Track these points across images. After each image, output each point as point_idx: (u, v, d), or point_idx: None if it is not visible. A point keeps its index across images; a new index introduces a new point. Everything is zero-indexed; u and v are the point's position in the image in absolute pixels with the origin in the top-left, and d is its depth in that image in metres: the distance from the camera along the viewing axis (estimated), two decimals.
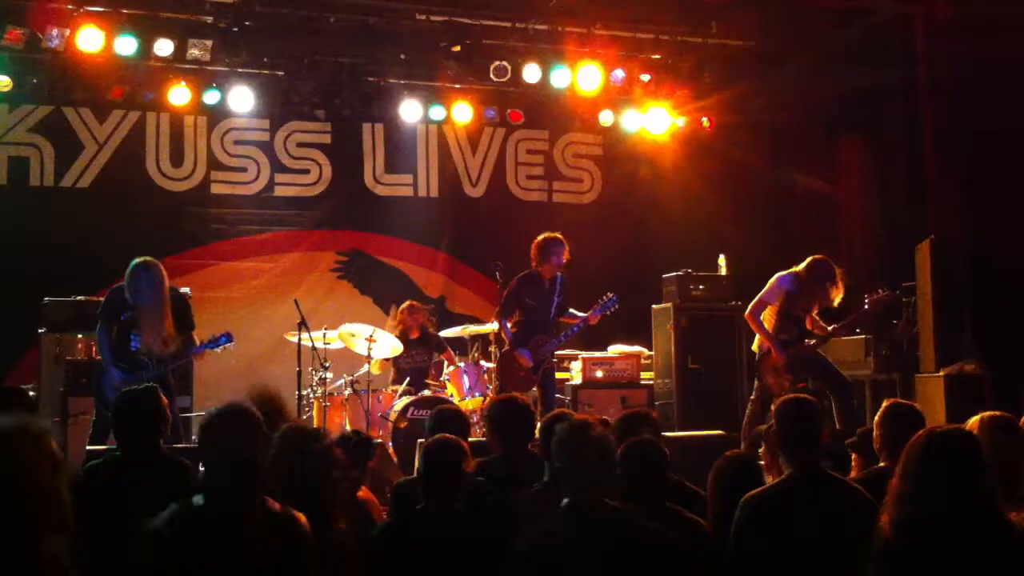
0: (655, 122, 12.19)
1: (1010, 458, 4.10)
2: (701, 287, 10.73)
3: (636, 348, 10.74)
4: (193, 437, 8.57)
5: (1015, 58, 8.88)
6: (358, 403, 9.52)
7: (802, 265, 8.59)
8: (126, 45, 10.20)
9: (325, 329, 9.59)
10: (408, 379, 9.91)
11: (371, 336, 9.60)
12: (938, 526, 3.32)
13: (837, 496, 4.14)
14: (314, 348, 9.48)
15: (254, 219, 12.03)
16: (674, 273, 10.77)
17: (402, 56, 11.34)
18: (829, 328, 8.79)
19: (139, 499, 4.68)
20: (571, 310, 9.22)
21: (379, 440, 8.95)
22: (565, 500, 3.84)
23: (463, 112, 11.98)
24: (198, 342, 7.90)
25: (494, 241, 11.63)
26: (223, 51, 10.71)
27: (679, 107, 12.14)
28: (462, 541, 4.18)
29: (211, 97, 11.23)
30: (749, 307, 8.80)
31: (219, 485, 3.58)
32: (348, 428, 9.34)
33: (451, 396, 9.62)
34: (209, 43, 10.54)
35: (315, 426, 4.58)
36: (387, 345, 9.88)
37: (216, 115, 11.73)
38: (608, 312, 9.03)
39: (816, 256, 8.58)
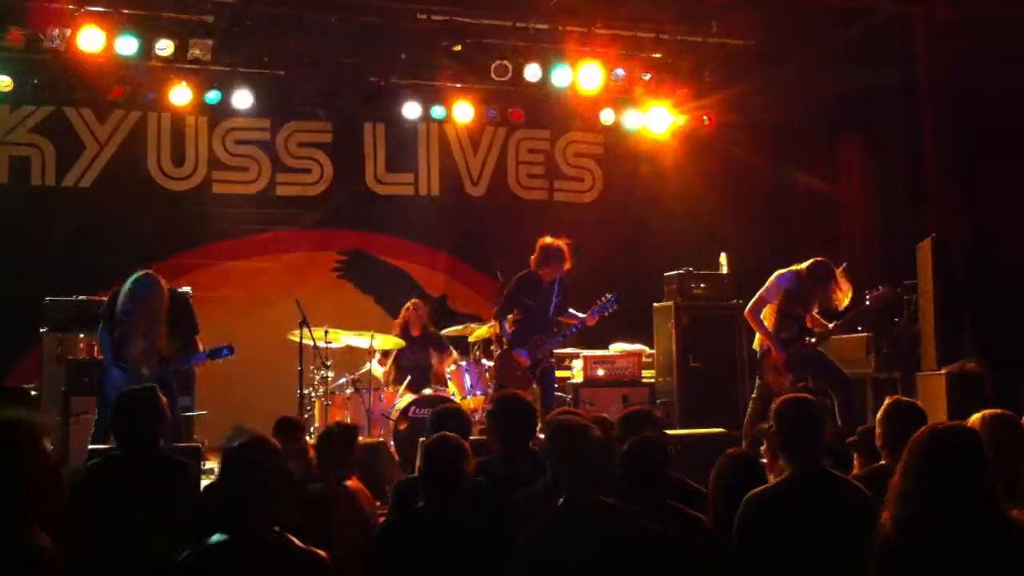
0: (656, 121, 12.20)
1: (1011, 456, 4.10)
2: (702, 285, 10.72)
3: (637, 346, 10.75)
4: (195, 437, 8.60)
5: (1015, 58, 8.88)
6: (360, 402, 9.53)
7: (804, 265, 8.60)
8: (127, 45, 10.21)
9: (326, 328, 9.60)
10: (410, 377, 9.91)
11: (372, 335, 9.63)
12: (939, 523, 3.32)
13: (838, 494, 4.14)
14: (315, 347, 9.49)
15: (255, 219, 12.04)
16: (675, 272, 10.77)
17: (403, 55, 11.34)
18: (830, 326, 8.80)
19: (138, 498, 4.71)
20: (570, 310, 9.23)
21: (380, 439, 8.98)
22: (562, 499, 3.84)
23: (464, 111, 11.99)
24: (201, 348, 7.89)
25: (495, 240, 11.65)
26: (224, 51, 10.73)
27: (680, 106, 12.14)
28: (462, 540, 4.19)
29: (212, 97, 11.24)
30: (749, 305, 8.81)
31: (238, 518, 3.55)
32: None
33: (452, 395, 9.63)
34: (210, 43, 10.55)
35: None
36: (388, 343, 9.93)
37: (217, 115, 11.74)
38: (606, 313, 9.04)
39: (819, 258, 8.60)
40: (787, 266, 8.77)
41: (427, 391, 9.67)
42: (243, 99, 11.26)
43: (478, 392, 9.54)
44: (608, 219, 12.61)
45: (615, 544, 3.76)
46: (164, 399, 5.23)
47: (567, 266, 9.08)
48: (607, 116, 12.23)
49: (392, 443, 9.04)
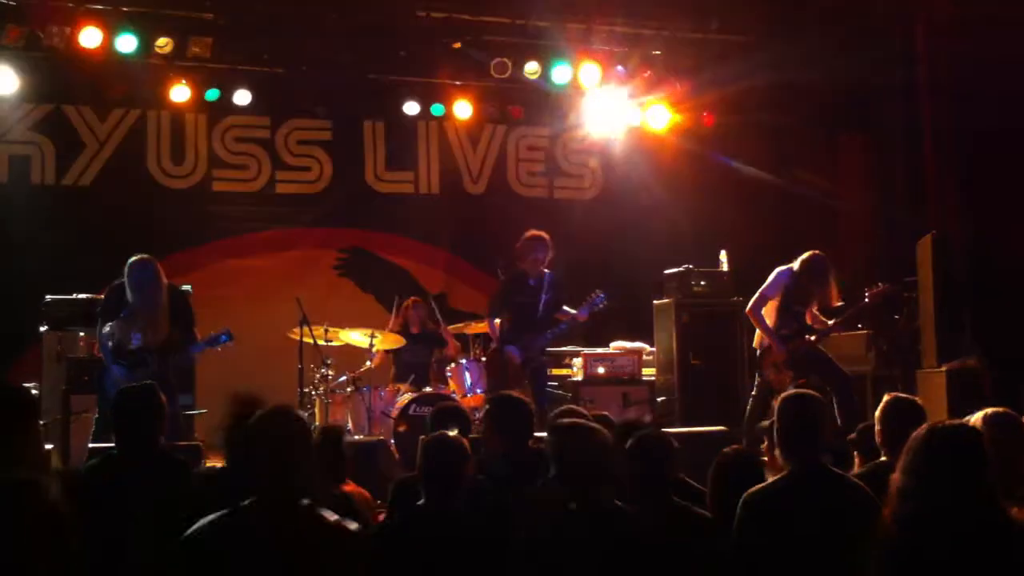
0: (656, 117, 12.19)
1: (1012, 455, 4.10)
2: (702, 283, 10.70)
3: (638, 344, 10.74)
4: (195, 436, 8.60)
5: (1015, 58, 8.89)
6: (360, 400, 9.53)
7: (797, 260, 8.62)
8: (126, 43, 10.22)
9: (327, 326, 9.60)
10: (413, 376, 9.91)
11: (373, 334, 9.64)
12: (940, 521, 3.31)
13: (838, 492, 4.14)
14: (316, 345, 9.49)
15: (255, 217, 12.04)
16: (675, 269, 10.76)
17: (402, 53, 11.34)
18: (829, 323, 8.81)
19: (138, 496, 4.71)
20: (564, 308, 9.21)
21: (381, 437, 8.98)
22: (567, 498, 3.85)
23: (463, 109, 12.00)
24: (199, 339, 7.92)
25: (495, 238, 11.64)
26: (223, 48, 10.73)
27: (680, 103, 12.13)
28: (462, 540, 4.18)
29: (211, 95, 11.24)
30: (750, 303, 8.83)
31: (263, 490, 3.53)
32: (349, 425, 9.38)
33: (452, 392, 9.63)
34: (209, 40, 10.55)
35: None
36: (387, 341, 9.94)
37: (217, 113, 11.73)
38: (596, 309, 9.00)
39: (812, 252, 8.60)
40: (787, 263, 8.78)
41: (427, 389, 9.67)
42: (243, 97, 11.26)
43: (478, 390, 9.54)
44: (608, 216, 12.60)
45: (618, 543, 3.76)
46: (163, 397, 5.23)
47: (549, 255, 9.04)
48: (607, 113, 12.21)
49: (392, 441, 9.05)
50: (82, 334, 9.32)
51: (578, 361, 10.41)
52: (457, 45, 11.28)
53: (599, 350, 10.54)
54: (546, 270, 9.08)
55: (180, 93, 11.11)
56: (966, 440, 3.46)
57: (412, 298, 10.69)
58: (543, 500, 4.39)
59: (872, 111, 10.84)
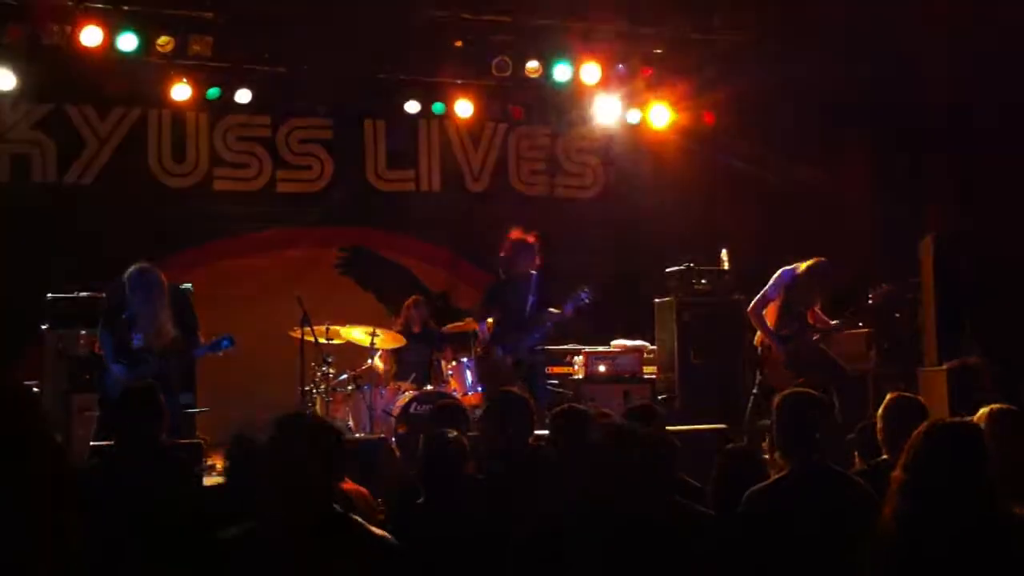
0: (657, 116, 12.19)
1: (1015, 451, 4.10)
2: (703, 281, 10.70)
3: (639, 342, 10.74)
4: (197, 434, 8.61)
5: (1015, 54, 8.89)
6: (361, 398, 9.53)
7: (804, 263, 8.65)
8: (127, 42, 10.22)
9: (328, 325, 9.60)
10: (413, 375, 9.91)
11: (374, 331, 9.64)
12: (940, 518, 3.31)
13: (840, 489, 4.14)
14: (317, 343, 9.49)
15: (256, 215, 12.03)
16: (676, 267, 10.76)
17: (403, 52, 11.34)
18: (832, 322, 8.82)
19: (137, 495, 4.71)
20: (551, 309, 9.18)
21: (382, 436, 8.98)
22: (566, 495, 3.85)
23: (464, 107, 12.00)
24: (202, 341, 7.92)
25: (496, 236, 11.61)
26: (224, 47, 10.72)
27: (681, 101, 12.13)
28: (462, 538, 4.19)
29: (212, 93, 11.25)
30: (752, 303, 8.84)
31: (284, 498, 3.51)
32: (350, 424, 9.38)
33: (453, 391, 9.63)
34: (210, 39, 10.55)
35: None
36: (389, 339, 9.93)
37: (217, 111, 11.73)
38: (581, 304, 8.96)
39: (820, 258, 8.63)
40: (788, 262, 8.79)
41: (428, 387, 9.68)
42: (243, 95, 11.27)
43: (479, 388, 9.54)
44: (609, 215, 12.60)
45: (622, 540, 3.77)
46: (164, 396, 5.23)
47: (538, 260, 9.03)
48: (608, 112, 12.22)
49: (393, 440, 9.05)
50: (83, 333, 9.31)
51: (579, 359, 10.41)
52: (458, 44, 11.27)
53: (600, 348, 10.53)
54: (532, 271, 9.07)
55: (181, 92, 11.11)
56: (967, 437, 3.46)
57: (413, 297, 10.70)
58: (545, 496, 4.40)
59: (874, 106, 10.82)
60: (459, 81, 11.84)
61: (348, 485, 5.20)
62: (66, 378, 9.03)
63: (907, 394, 5.03)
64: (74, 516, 2.95)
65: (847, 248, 10.11)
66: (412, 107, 11.89)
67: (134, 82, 11.05)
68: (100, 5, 10.12)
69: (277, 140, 12.08)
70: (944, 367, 8.77)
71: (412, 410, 9.17)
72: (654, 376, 10.60)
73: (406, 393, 9.54)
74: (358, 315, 10.13)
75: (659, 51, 11.69)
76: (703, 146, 12.34)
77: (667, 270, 10.89)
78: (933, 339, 9.11)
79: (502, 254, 9.06)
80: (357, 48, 11.12)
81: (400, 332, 10.16)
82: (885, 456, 4.80)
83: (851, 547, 3.58)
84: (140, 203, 11.39)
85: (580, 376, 10.31)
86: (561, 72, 11.40)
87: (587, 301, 8.93)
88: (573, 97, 12.05)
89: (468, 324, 10.24)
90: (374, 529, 3.51)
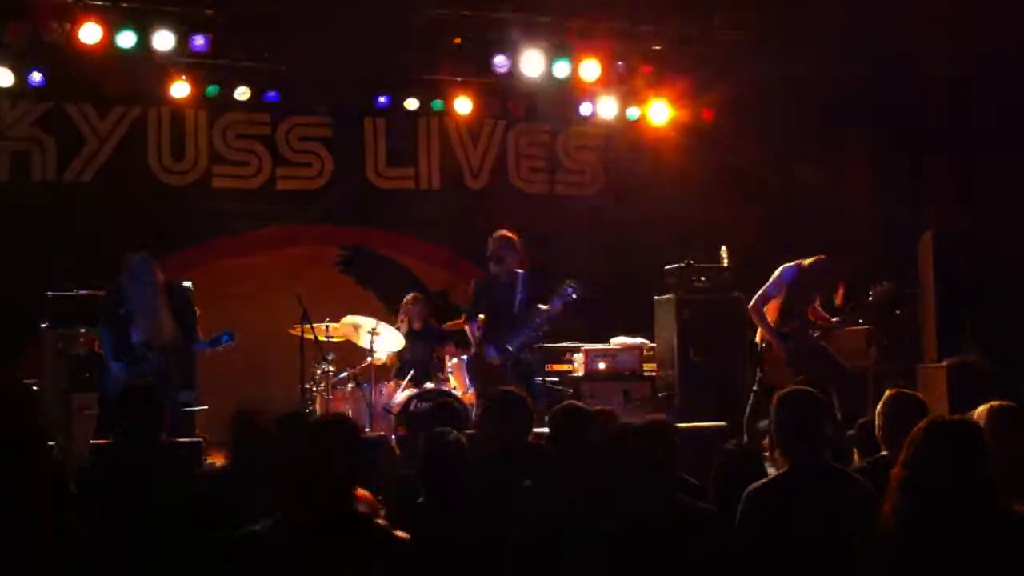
0: (656, 114, 12.19)
1: (1015, 448, 4.10)
2: (703, 278, 10.69)
3: (638, 340, 10.74)
4: (196, 432, 8.61)
5: (1015, 54, 8.89)
6: (360, 396, 9.53)
7: (806, 261, 8.65)
8: (127, 40, 10.21)
9: (327, 323, 9.61)
10: (412, 372, 9.91)
11: (374, 329, 9.63)
12: (940, 515, 3.32)
13: (839, 487, 4.14)
14: (317, 341, 9.50)
15: (256, 213, 12.02)
16: (676, 264, 10.76)
17: (403, 49, 11.33)
18: (832, 319, 8.82)
19: (138, 494, 4.71)
20: (539, 306, 9.18)
21: (382, 434, 8.99)
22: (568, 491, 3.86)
23: (464, 104, 12.00)
24: (201, 337, 7.93)
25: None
26: (224, 45, 10.72)
27: (680, 99, 12.13)
28: (462, 536, 4.19)
29: (212, 91, 11.25)
30: (752, 301, 8.84)
31: (310, 492, 3.56)
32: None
33: (454, 389, 9.63)
34: (210, 37, 10.55)
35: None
36: (390, 339, 9.91)
37: (217, 109, 11.72)
38: (569, 299, 8.95)
39: (821, 256, 8.64)
40: (788, 259, 8.80)
41: (428, 385, 9.68)
42: (243, 93, 11.26)
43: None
44: (609, 212, 12.60)
45: (622, 539, 3.77)
46: (164, 394, 5.24)
47: (520, 255, 9.02)
48: (608, 109, 12.22)
49: (393, 438, 9.05)
50: (83, 331, 9.31)
51: (579, 357, 10.41)
52: (458, 41, 11.27)
53: (600, 346, 10.54)
54: (519, 270, 9.07)
55: (180, 89, 11.11)
56: (966, 434, 3.46)
57: (413, 294, 10.69)
58: (547, 493, 4.40)
59: (873, 104, 10.82)
60: (458, 78, 11.84)
61: None
62: (66, 377, 9.03)
63: (906, 391, 5.02)
64: (74, 516, 2.96)
65: (847, 245, 10.11)
66: (412, 104, 11.89)
67: (134, 80, 11.04)
68: (99, 2, 10.12)
69: (277, 138, 12.07)
70: (944, 364, 8.77)
71: (412, 408, 9.18)
72: (654, 373, 10.60)
73: (406, 391, 9.54)
74: (358, 313, 10.13)
75: (659, 48, 11.68)
76: (703, 143, 12.34)
77: (667, 267, 10.89)
78: (933, 336, 9.11)
79: (487, 253, 9.08)
80: (357, 46, 11.11)
81: (399, 330, 10.16)
82: (884, 453, 4.80)
83: (851, 544, 3.58)
84: (140, 201, 11.38)
85: (580, 374, 10.31)
86: (561, 69, 11.39)
87: (574, 295, 8.92)
88: (573, 94, 12.04)
89: (459, 323, 10.24)
90: (393, 530, 3.55)
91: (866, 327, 9.93)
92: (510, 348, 8.83)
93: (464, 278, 11.80)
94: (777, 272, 8.78)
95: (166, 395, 5.27)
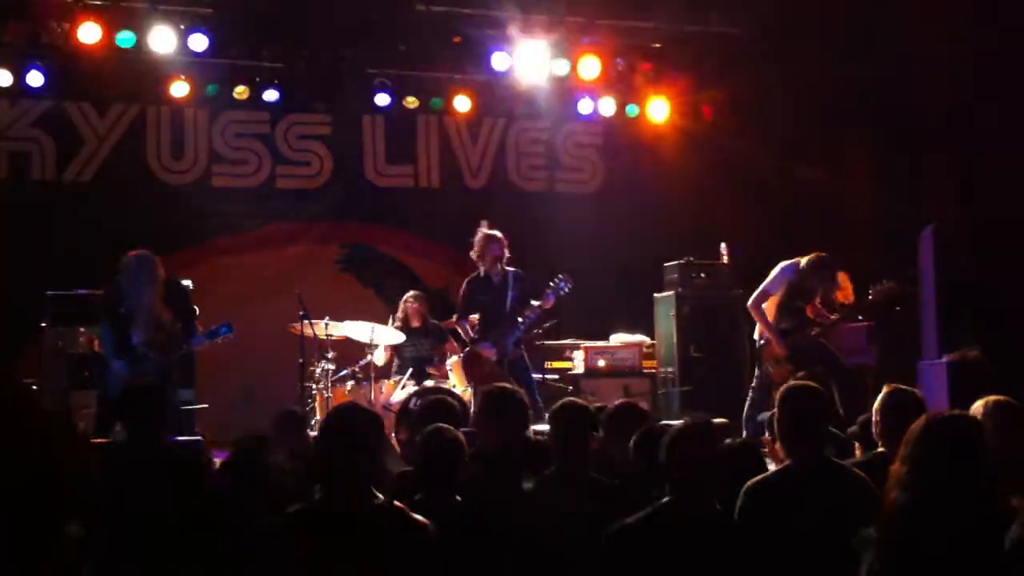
0: (655, 111, 12.19)
1: (1014, 444, 4.10)
2: (703, 275, 10.72)
3: (638, 337, 10.75)
4: (196, 431, 8.61)
5: (1015, 54, 8.89)
6: (361, 394, 9.53)
7: (805, 258, 8.66)
8: (126, 39, 10.21)
9: (327, 321, 9.61)
10: (411, 369, 9.91)
11: (373, 330, 9.64)
12: (938, 510, 3.32)
13: (839, 482, 4.15)
14: (316, 339, 9.50)
15: (256, 212, 12.02)
16: (675, 261, 10.77)
17: (402, 47, 11.33)
18: (832, 316, 8.82)
19: (141, 492, 4.70)
20: (532, 302, 9.17)
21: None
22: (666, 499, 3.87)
23: (463, 102, 11.99)
24: (200, 330, 7.95)
25: (496, 231, 11.62)
26: (223, 44, 10.72)
27: (680, 96, 12.13)
28: (461, 533, 4.19)
29: (211, 90, 11.25)
30: (751, 298, 8.85)
31: (336, 481, 3.60)
32: None
33: (454, 386, 9.63)
34: (209, 36, 10.55)
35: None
36: (388, 336, 9.93)
37: (216, 108, 11.72)
38: (562, 293, 8.96)
39: (820, 253, 8.64)
40: (787, 256, 8.80)
41: (428, 383, 9.67)
42: (242, 92, 11.26)
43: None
44: (609, 209, 12.58)
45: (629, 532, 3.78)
46: (166, 392, 5.24)
47: (504, 252, 9.05)
48: (607, 106, 12.21)
49: (392, 435, 9.05)
50: (82, 330, 9.32)
51: (579, 354, 10.42)
52: (457, 39, 11.27)
53: (600, 343, 10.54)
54: (509, 268, 9.08)
55: (179, 88, 11.11)
56: (965, 430, 3.46)
57: (412, 292, 10.69)
58: (549, 491, 4.40)
59: (873, 101, 10.81)
60: (458, 76, 11.84)
61: None
62: (65, 375, 9.05)
63: (903, 387, 5.02)
64: (74, 516, 2.96)
65: (847, 242, 10.11)
66: (411, 102, 11.88)
67: (133, 79, 11.04)
68: (99, 2, 10.12)
69: (276, 136, 12.07)
70: (944, 361, 8.77)
71: (411, 405, 9.17)
72: (654, 370, 10.61)
73: (406, 389, 9.54)
74: (358, 311, 10.14)
75: (658, 45, 11.68)
76: (702, 141, 12.34)
77: (666, 264, 10.91)
78: (933, 332, 9.11)
79: (472, 252, 9.11)
80: (356, 44, 11.11)
81: (399, 328, 10.16)
82: (881, 449, 4.80)
83: (850, 538, 3.58)
84: (139, 200, 11.37)
85: (580, 371, 10.32)
86: (560, 66, 11.39)
87: (567, 289, 8.94)
88: (572, 91, 12.03)
89: (451, 323, 10.24)
90: (417, 516, 3.62)
91: (866, 324, 9.94)
92: (505, 346, 8.84)
93: (464, 276, 11.82)
94: (776, 269, 8.80)
95: (168, 394, 5.26)
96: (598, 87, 11.90)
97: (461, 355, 9.71)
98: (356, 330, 9.72)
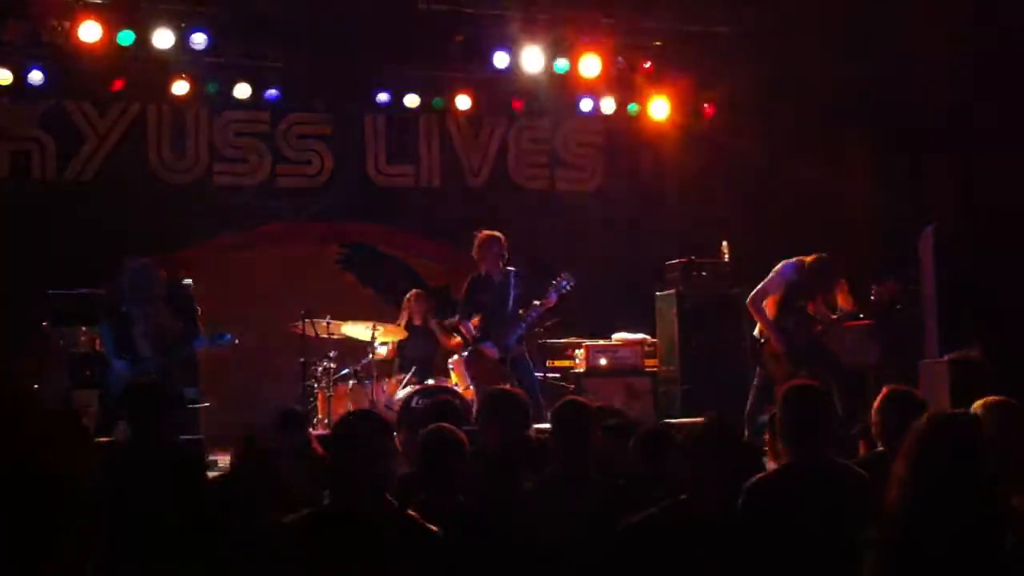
0: (656, 109, 12.18)
1: (1013, 444, 4.10)
2: (704, 274, 10.72)
3: (640, 335, 10.75)
4: (199, 429, 8.62)
5: (1015, 54, 8.89)
6: (362, 393, 9.54)
7: (807, 258, 8.65)
8: (126, 38, 10.21)
9: (328, 319, 9.61)
10: (414, 368, 9.91)
11: (374, 326, 9.65)
12: (939, 510, 3.31)
13: (839, 481, 4.15)
14: (318, 338, 9.51)
15: (256, 211, 12.02)
16: (677, 260, 10.77)
17: (403, 45, 11.33)
18: (832, 316, 8.82)
19: (143, 491, 4.71)
20: (535, 302, 9.18)
21: None
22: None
23: (464, 101, 11.99)
24: (203, 330, 7.96)
25: (497, 230, 11.62)
26: (223, 42, 10.72)
27: (680, 94, 12.12)
28: (462, 532, 4.19)
29: (212, 89, 11.25)
30: (751, 295, 8.84)
31: (347, 487, 3.62)
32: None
33: (455, 385, 9.63)
34: (209, 34, 10.55)
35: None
36: (389, 334, 9.95)
37: (217, 107, 11.72)
38: (564, 291, 8.97)
39: (824, 255, 8.64)
40: (788, 255, 8.80)
41: (430, 381, 9.68)
42: (243, 91, 11.26)
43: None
44: (610, 208, 12.59)
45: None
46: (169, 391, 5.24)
47: (504, 252, 9.05)
48: (608, 104, 12.21)
49: (394, 434, 9.04)
50: (84, 329, 9.32)
51: (580, 352, 10.42)
52: (459, 37, 11.27)
53: (601, 341, 10.54)
54: (511, 268, 9.09)
55: (180, 87, 11.11)
56: (965, 429, 3.46)
57: (415, 291, 10.71)
58: (550, 489, 4.40)
59: (873, 99, 10.81)
60: (459, 75, 11.83)
61: None
62: (66, 375, 9.04)
63: (902, 387, 5.02)
64: (75, 515, 2.95)
65: (847, 242, 10.11)
66: (412, 101, 11.88)
67: (133, 78, 11.03)
68: (99, 1, 10.11)
69: (276, 135, 12.07)
70: (945, 360, 8.77)
71: (413, 404, 9.17)
72: (655, 369, 10.62)
73: (407, 387, 9.55)
74: (358, 310, 10.15)
75: (659, 43, 11.67)
76: (703, 139, 12.33)
77: (668, 263, 10.91)
78: (934, 331, 9.11)
79: (473, 254, 9.13)
80: (357, 42, 11.11)
81: (402, 326, 10.17)
82: (880, 448, 4.81)
83: (850, 537, 3.58)
84: (140, 199, 11.37)
85: (581, 369, 10.32)
86: (561, 65, 11.38)
87: (569, 287, 8.95)
88: (573, 89, 12.03)
89: (455, 323, 10.24)
90: (427, 524, 3.64)
91: (867, 323, 9.94)
92: (508, 345, 8.85)
93: (465, 275, 11.82)
94: (777, 268, 8.79)
95: (169, 392, 5.26)
96: (599, 85, 11.90)
97: (463, 354, 9.71)
98: (357, 329, 9.73)
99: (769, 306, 8.72)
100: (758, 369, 8.86)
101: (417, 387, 9.45)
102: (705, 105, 12.23)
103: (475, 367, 9.11)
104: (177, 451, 5.20)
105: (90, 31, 10.05)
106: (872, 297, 8.75)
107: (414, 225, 12.48)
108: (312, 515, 3.58)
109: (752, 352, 9.14)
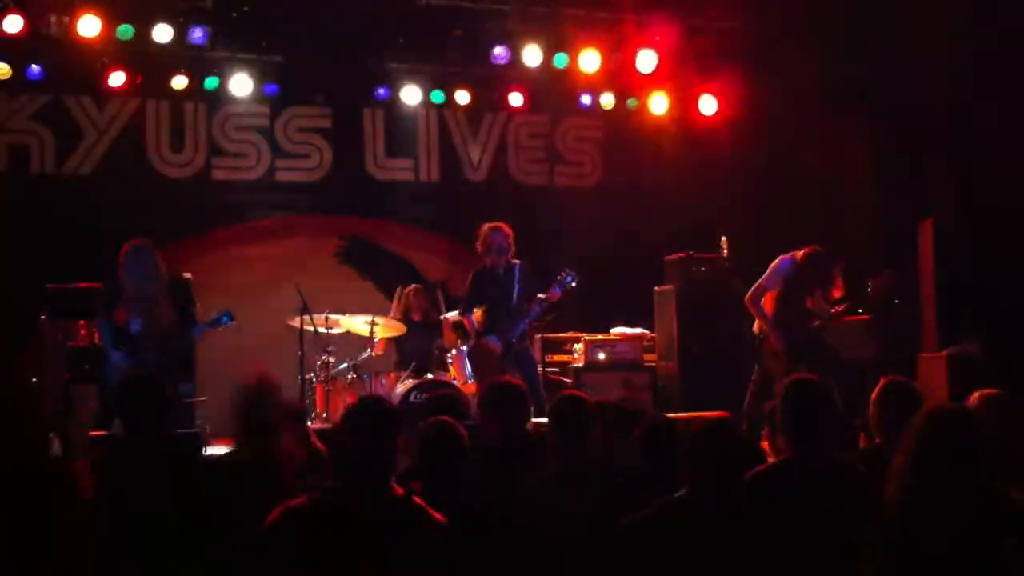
0: (656, 105, 12.18)
1: (1008, 436, 4.10)
2: (703, 269, 10.72)
3: (639, 330, 10.75)
4: (196, 422, 8.63)
5: (1015, 54, 8.89)
6: (361, 387, 9.53)
7: (801, 252, 8.66)
8: (125, 32, 10.20)
9: (327, 314, 9.61)
10: (413, 363, 9.91)
11: (373, 320, 9.64)
12: (939, 503, 3.31)
13: (838, 475, 4.15)
14: (316, 333, 9.50)
15: (255, 204, 12.02)
16: (676, 255, 10.77)
17: (402, 40, 11.33)
18: (831, 310, 8.83)
19: (140, 485, 4.70)
20: (539, 296, 9.16)
21: None
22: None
23: (463, 96, 11.98)
24: (200, 321, 7.97)
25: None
26: (222, 37, 10.71)
27: (680, 89, 12.11)
28: (461, 526, 4.19)
29: (211, 83, 11.24)
30: (749, 291, 8.85)
31: (353, 474, 3.63)
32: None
33: (454, 379, 9.63)
34: (208, 29, 10.54)
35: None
36: (387, 329, 9.94)
37: (216, 101, 11.71)
38: (568, 287, 8.97)
39: (816, 247, 8.64)
40: (787, 250, 8.80)
41: (429, 376, 9.68)
42: (242, 85, 11.25)
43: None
44: (609, 203, 12.58)
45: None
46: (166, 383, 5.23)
47: (509, 244, 9.02)
48: (607, 100, 12.20)
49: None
50: (82, 323, 9.31)
51: (579, 347, 10.41)
52: (458, 32, 11.26)
53: (600, 336, 10.54)
54: (516, 261, 9.08)
55: (179, 81, 11.11)
56: (964, 424, 3.46)
57: (414, 286, 10.70)
58: (551, 486, 4.40)
59: (874, 95, 10.81)
60: (458, 70, 11.82)
61: None
62: (65, 369, 9.04)
63: (900, 380, 5.02)
64: (75, 513, 2.96)
65: (847, 241, 10.11)
66: (411, 96, 11.87)
67: (132, 72, 11.02)
68: None
69: (276, 129, 12.06)
70: (944, 354, 8.78)
71: (412, 399, 9.18)
72: (654, 364, 10.62)
73: (406, 382, 9.55)
74: (357, 304, 10.14)
75: (659, 39, 11.66)
76: (702, 135, 12.32)
77: (667, 258, 10.91)
78: (932, 325, 9.12)
79: (479, 244, 9.10)
80: (356, 37, 11.10)
81: (400, 321, 10.17)
82: (878, 441, 4.81)
83: (850, 531, 3.58)
84: (139, 193, 11.37)
85: (580, 364, 10.32)
86: (560, 60, 11.38)
87: (573, 283, 8.94)
88: (573, 85, 12.02)
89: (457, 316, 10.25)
90: (433, 512, 3.64)
91: (866, 317, 9.94)
92: (511, 339, 8.84)
93: (464, 269, 11.81)
94: (775, 263, 8.81)
95: (166, 386, 5.25)
96: (598, 81, 11.89)
97: (465, 348, 9.71)
98: (356, 323, 9.73)
99: (767, 302, 8.74)
100: (757, 364, 8.86)
101: (416, 382, 9.45)
102: (704, 100, 12.20)
103: (477, 360, 9.10)
104: (175, 444, 5.19)
105: (89, 25, 10.05)
106: (870, 290, 8.74)
107: (413, 219, 12.49)
108: (316, 501, 3.58)
109: (752, 346, 9.15)
